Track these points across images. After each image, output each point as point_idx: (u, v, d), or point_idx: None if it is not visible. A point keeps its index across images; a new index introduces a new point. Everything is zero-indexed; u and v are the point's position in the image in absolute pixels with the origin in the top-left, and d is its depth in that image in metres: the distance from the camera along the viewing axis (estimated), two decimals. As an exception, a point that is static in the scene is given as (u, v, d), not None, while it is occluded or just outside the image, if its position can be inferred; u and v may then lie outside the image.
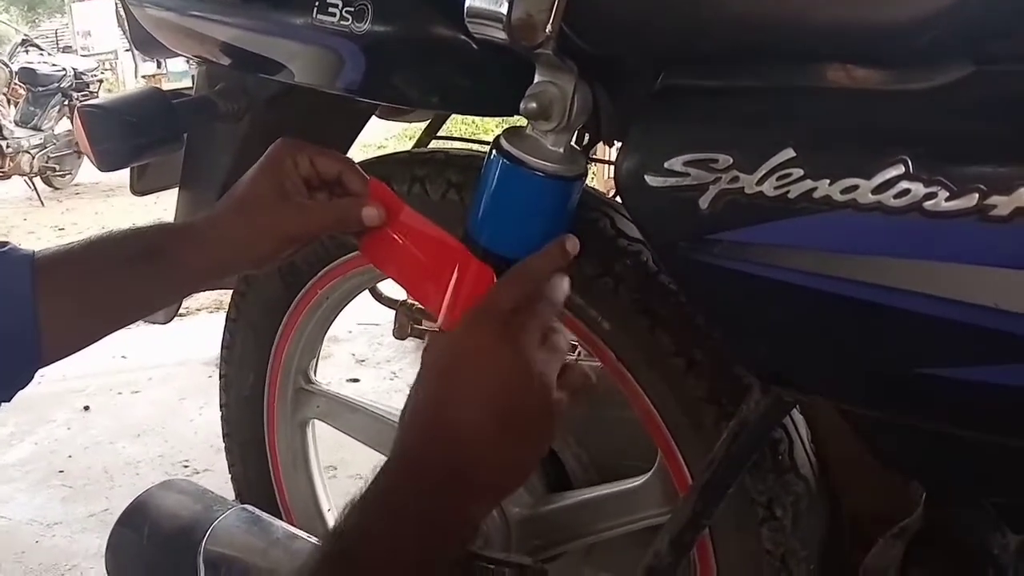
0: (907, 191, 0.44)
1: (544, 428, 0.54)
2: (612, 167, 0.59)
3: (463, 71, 0.64)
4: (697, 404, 0.71)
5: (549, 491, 0.94)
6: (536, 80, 0.57)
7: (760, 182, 0.48)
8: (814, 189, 0.47)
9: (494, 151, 0.60)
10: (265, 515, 0.85)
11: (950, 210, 0.43)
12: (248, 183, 0.64)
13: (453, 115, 1.08)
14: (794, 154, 0.47)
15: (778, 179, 0.48)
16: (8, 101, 5.39)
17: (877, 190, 0.45)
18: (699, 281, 0.55)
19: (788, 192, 0.47)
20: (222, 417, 1.14)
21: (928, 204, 0.43)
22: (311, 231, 0.64)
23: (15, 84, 5.31)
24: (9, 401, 0.62)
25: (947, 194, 0.43)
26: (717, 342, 0.64)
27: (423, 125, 1.13)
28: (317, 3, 0.66)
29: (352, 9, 0.64)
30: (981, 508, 0.58)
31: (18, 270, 0.60)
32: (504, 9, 0.50)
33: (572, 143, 0.61)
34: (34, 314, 0.59)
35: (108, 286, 0.63)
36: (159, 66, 9.39)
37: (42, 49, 5.98)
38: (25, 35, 5.89)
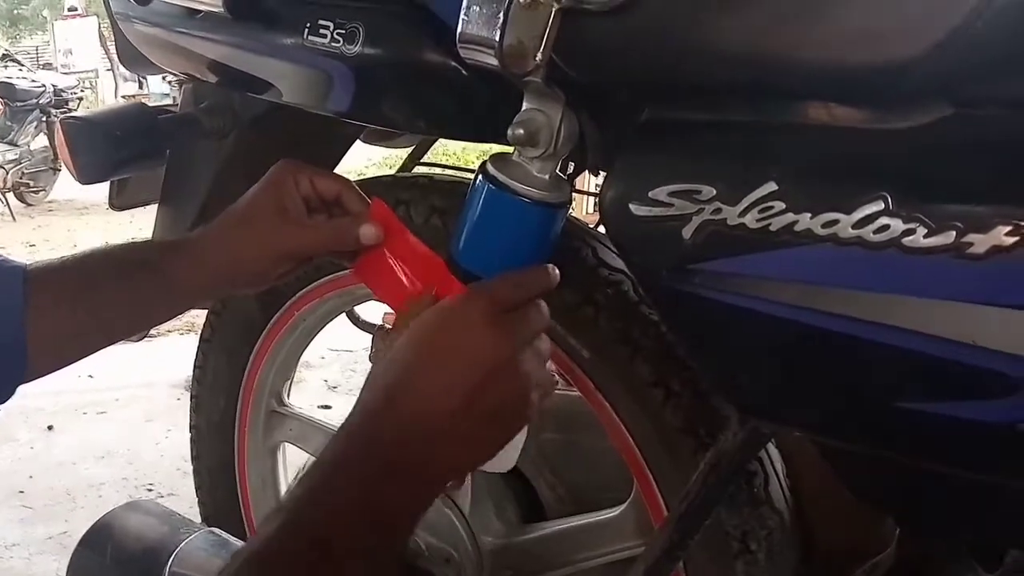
0: (887, 227, 0.45)
1: (511, 429, 0.53)
2: (594, 198, 0.60)
3: (452, 96, 0.64)
4: (674, 435, 0.71)
5: (523, 522, 0.93)
6: (524, 107, 0.58)
7: (743, 214, 0.49)
8: (795, 222, 0.47)
9: (480, 176, 0.60)
10: (233, 538, 0.84)
11: (928, 247, 0.44)
12: (248, 200, 0.64)
13: (437, 142, 1.08)
14: (776, 187, 0.48)
15: (760, 211, 0.48)
16: (-15, 115, 5.34)
17: (857, 225, 0.45)
18: (681, 310, 0.55)
19: (770, 225, 0.48)
20: (192, 439, 1.12)
21: (907, 240, 0.44)
22: (309, 249, 0.64)
23: (-8, 99, 5.27)
24: None
25: (925, 231, 0.44)
26: (697, 372, 0.64)
27: (404, 153, 1.13)
28: (308, 24, 0.67)
29: (343, 31, 0.64)
30: (954, 546, 0.59)
31: (9, 280, 0.59)
32: (496, 36, 0.50)
33: (558, 171, 0.61)
34: (22, 326, 0.58)
35: (100, 300, 0.62)
36: (140, 87, 9.36)
37: (22, 64, 5.94)
38: (6, 50, 5.85)
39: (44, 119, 5.53)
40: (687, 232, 0.51)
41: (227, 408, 1.06)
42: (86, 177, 0.81)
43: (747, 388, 0.56)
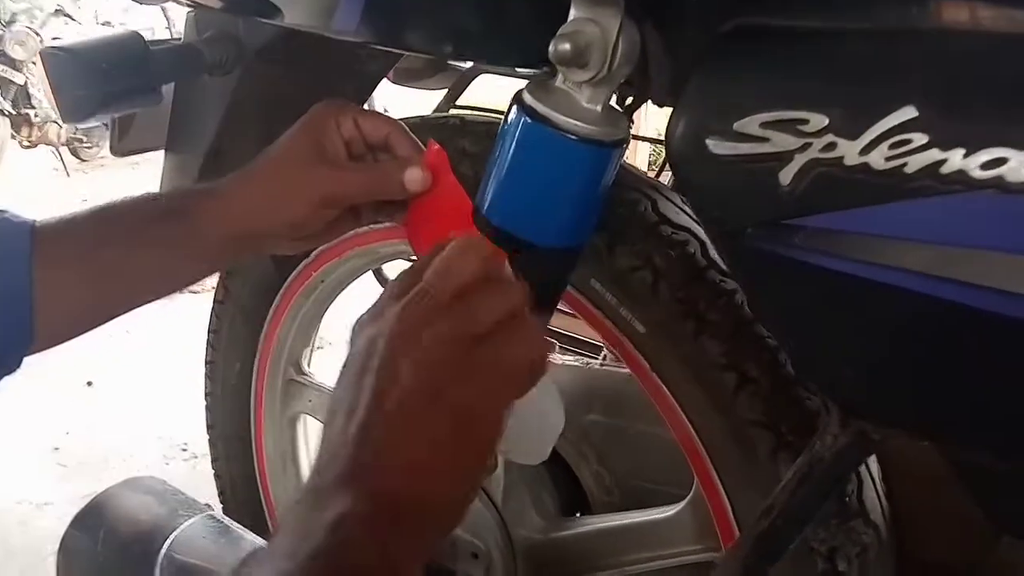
0: (1082, 168, 0.31)
1: (488, 431, 0.41)
2: (655, 145, 0.47)
3: (482, 10, 0.52)
4: (748, 429, 0.59)
5: (563, 514, 0.83)
6: (572, 17, 0.45)
7: (866, 151, 0.36)
8: (943, 162, 0.34)
9: (515, 107, 0.49)
10: (235, 525, 0.75)
11: None
12: (284, 141, 0.58)
13: (478, 78, 0.96)
14: (916, 114, 0.35)
15: (892, 147, 0.35)
16: (38, 69, 5.38)
17: (1037, 165, 0.32)
18: (771, 279, 0.42)
19: (905, 165, 0.35)
20: (206, 407, 1.04)
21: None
22: (348, 193, 0.55)
23: (45, 53, 5.30)
24: None
25: None
26: (786, 357, 0.52)
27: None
28: (311, -76, 0.55)
29: (350, -71, 0.52)
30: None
31: (14, 243, 0.54)
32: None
33: (612, 101, 0.48)
34: (30, 288, 0.54)
35: (117, 256, 0.56)
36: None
37: (73, 19, 5.96)
38: (58, 5, 5.86)
39: (96, 74, 5.55)
40: (786, 176, 0.38)
41: (242, 375, 0.98)
42: (70, 115, 0.71)
43: (854, 381, 0.43)
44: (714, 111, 0.41)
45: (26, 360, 0.57)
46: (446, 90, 0.99)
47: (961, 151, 0.34)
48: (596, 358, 1.04)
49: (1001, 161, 0.33)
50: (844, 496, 0.57)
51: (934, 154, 0.35)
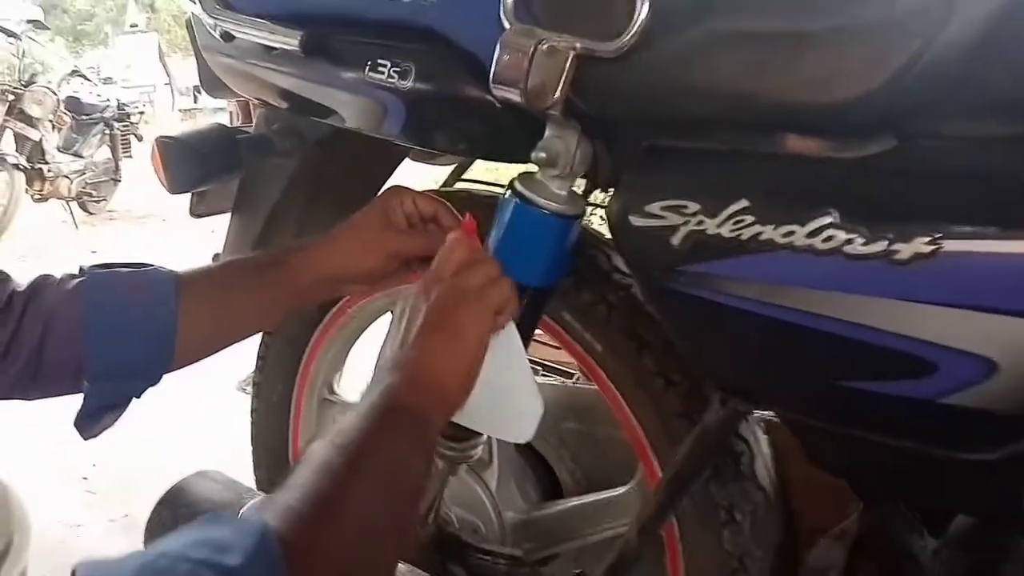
0: (832, 236, 0.55)
1: (479, 331, 0.66)
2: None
3: (486, 124, 0.76)
4: (673, 419, 0.82)
5: (543, 499, 1.04)
6: (546, 135, 0.70)
7: (720, 225, 0.60)
8: (761, 232, 0.58)
9: (509, 191, 0.73)
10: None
11: (864, 253, 0.54)
12: (362, 213, 0.79)
13: (476, 161, 1.21)
14: (747, 204, 0.59)
15: (734, 223, 0.59)
16: (52, 127, 5.61)
17: (810, 235, 0.56)
18: (671, 306, 0.66)
19: (741, 235, 0.59)
20: (252, 422, 1.25)
21: (847, 248, 0.55)
22: (408, 251, 0.78)
23: (60, 112, 5.54)
24: (139, 397, 0.74)
25: (863, 240, 0.54)
26: (685, 359, 0.75)
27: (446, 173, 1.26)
28: (369, 62, 0.79)
29: (398, 69, 0.77)
30: (903, 513, 0.68)
31: (165, 286, 0.73)
32: (522, 78, 0.62)
33: (574, 188, 0.73)
34: (175, 326, 0.71)
35: (237, 296, 0.76)
36: (195, 101, 9.74)
37: (88, 79, 6.23)
38: (75, 67, 6.14)
39: (107, 132, 5.79)
40: (675, 239, 0.62)
41: (284, 393, 1.19)
42: (176, 187, 0.95)
43: (724, 372, 0.67)
44: (634, 198, 0.65)
45: (50, 400, 0.73)
46: (453, 167, 1.24)
47: (772, 225, 0.58)
48: (570, 379, 1.27)
49: (792, 232, 0.57)
50: (740, 466, 0.80)
51: (757, 227, 0.59)
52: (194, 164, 0.94)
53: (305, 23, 0.81)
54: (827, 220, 0.56)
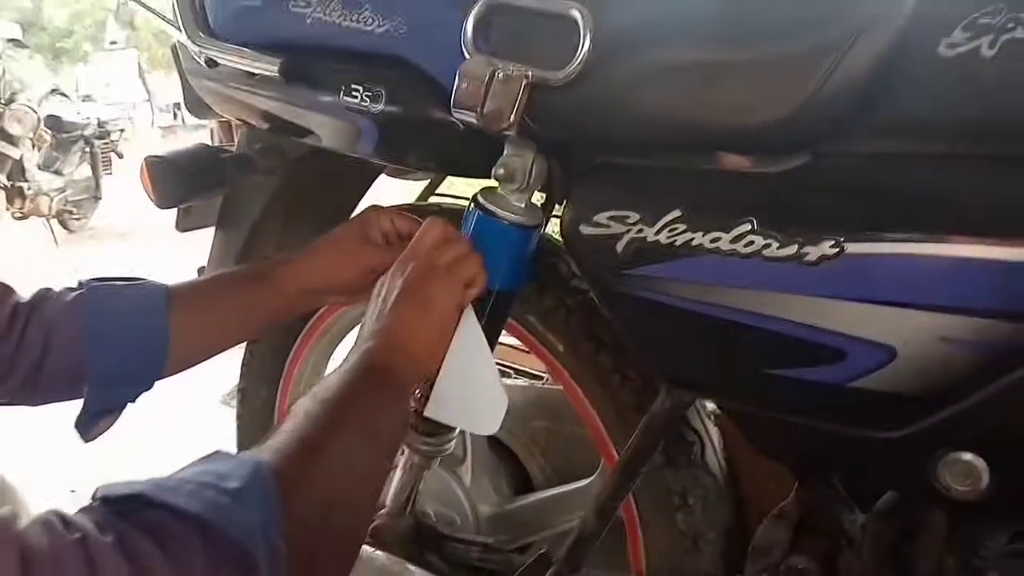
0: (752, 241, 0.63)
1: (452, 300, 0.72)
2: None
3: (451, 144, 0.82)
4: (629, 413, 0.88)
5: (514, 493, 1.11)
6: (505, 153, 0.77)
7: (657, 233, 0.67)
8: (693, 239, 0.66)
9: (473, 204, 0.80)
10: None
11: (779, 256, 0.62)
12: (341, 229, 0.85)
13: (448, 177, 1.28)
14: (680, 213, 0.66)
15: (669, 231, 0.67)
16: (32, 145, 5.63)
17: (733, 240, 0.64)
18: (618, 305, 0.73)
19: (675, 241, 0.67)
20: (237, 427, 1.31)
21: (765, 251, 0.62)
22: (386, 265, 0.81)
23: (41, 130, 5.55)
24: (134, 402, 0.80)
25: (777, 244, 0.62)
26: (633, 354, 0.82)
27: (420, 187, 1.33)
28: (343, 87, 0.85)
29: (370, 93, 0.83)
30: (836, 491, 0.76)
31: (157, 299, 0.78)
32: (479, 104, 0.70)
33: (531, 201, 0.80)
34: (166, 337, 0.77)
35: (225, 306, 0.81)
36: (175, 118, 9.76)
37: (68, 97, 6.24)
38: (55, 85, 6.16)
39: (88, 149, 5.81)
40: (619, 246, 0.69)
41: (268, 399, 1.25)
42: (163, 203, 1.01)
43: (668, 365, 0.74)
44: (584, 209, 0.72)
45: (40, 409, 0.78)
46: (426, 182, 1.31)
47: (702, 232, 0.65)
48: (540, 381, 1.34)
49: (718, 238, 0.65)
50: (691, 455, 0.87)
51: (689, 235, 0.66)
52: (180, 181, 1.00)
53: (284, 51, 0.87)
54: (747, 227, 0.63)
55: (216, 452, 0.54)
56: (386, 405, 0.65)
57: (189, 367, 0.82)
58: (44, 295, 0.77)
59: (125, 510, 0.45)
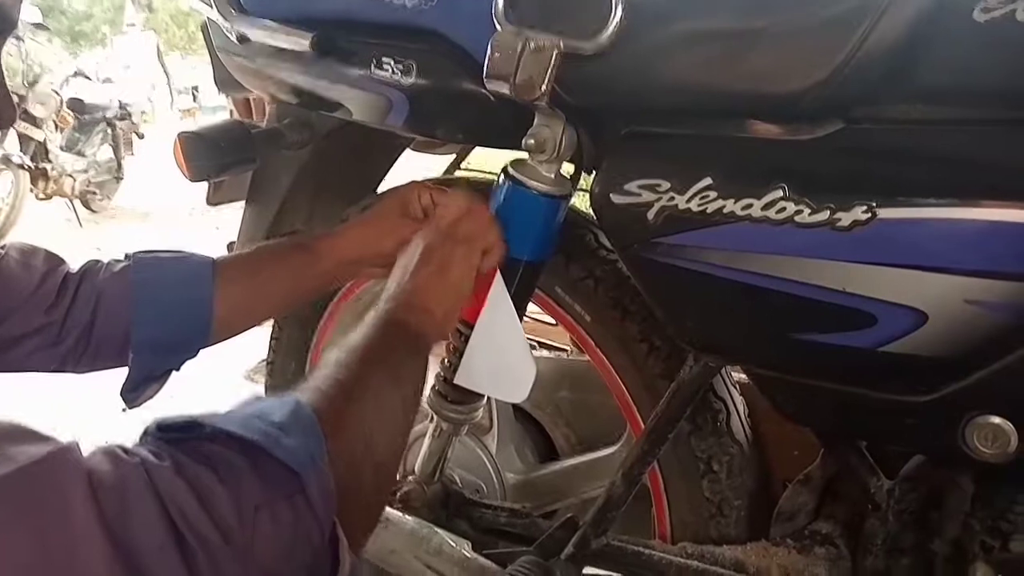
0: (784, 208, 0.64)
1: (467, 268, 0.76)
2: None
3: (481, 115, 0.83)
4: (656, 381, 0.90)
5: (539, 462, 1.13)
6: (535, 123, 0.78)
7: (688, 201, 0.68)
8: (724, 206, 0.67)
9: (503, 175, 0.81)
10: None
11: (811, 222, 0.62)
12: (381, 203, 0.88)
13: (474, 149, 1.29)
14: (711, 181, 0.67)
15: (700, 198, 0.68)
16: (56, 127, 5.68)
17: (765, 207, 0.64)
18: (648, 273, 0.74)
19: (706, 208, 0.67)
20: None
21: (797, 218, 0.63)
22: None
23: (64, 112, 5.61)
24: (178, 370, 0.82)
25: (809, 210, 0.62)
26: (662, 322, 0.83)
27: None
28: (374, 60, 0.87)
29: (401, 67, 0.84)
30: (860, 454, 0.77)
31: (202, 272, 0.80)
32: (512, 73, 0.70)
33: (561, 171, 0.81)
34: (211, 308, 0.79)
35: (268, 276, 0.84)
36: (194, 99, 9.81)
37: (91, 79, 6.29)
38: (77, 68, 6.21)
39: (110, 131, 5.87)
40: (650, 214, 0.70)
41: (296, 372, 1.27)
42: (196, 177, 1.02)
43: (696, 331, 0.75)
44: (615, 178, 0.73)
45: (65, 382, 0.82)
46: (453, 155, 1.32)
47: (733, 200, 0.66)
48: (565, 353, 1.35)
49: (750, 205, 0.65)
50: (717, 422, 0.88)
51: (720, 202, 0.67)
52: (212, 156, 1.02)
53: (315, 26, 0.88)
54: (779, 194, 0.64)
55: (255, 396, 0.56)
56: (408, 355, 0.68)
57: (234, 335, 0.85)
58: (92, 266, 0.79)
59: (180, 437, 0.48)
